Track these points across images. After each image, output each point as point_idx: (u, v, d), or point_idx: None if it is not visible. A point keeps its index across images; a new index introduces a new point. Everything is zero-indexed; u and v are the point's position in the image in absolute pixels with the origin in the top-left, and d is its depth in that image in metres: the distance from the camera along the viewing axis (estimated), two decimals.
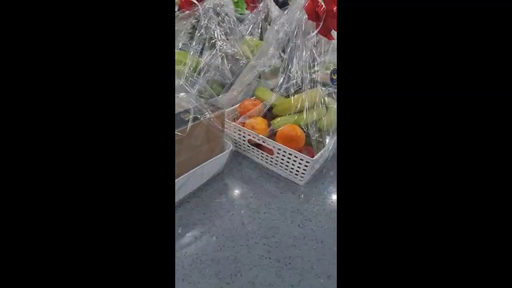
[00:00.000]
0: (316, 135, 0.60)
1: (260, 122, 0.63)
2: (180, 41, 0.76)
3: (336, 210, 0.55)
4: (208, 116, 0.53)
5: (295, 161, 0.58)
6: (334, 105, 0.64)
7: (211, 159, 0.55)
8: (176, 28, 0.75)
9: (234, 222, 0.51)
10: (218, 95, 0.73)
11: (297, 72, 0.60)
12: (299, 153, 0.57)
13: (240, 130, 0.64)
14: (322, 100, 0.62)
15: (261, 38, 0.91)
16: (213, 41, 0.73)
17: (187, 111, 0.52)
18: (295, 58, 0.60)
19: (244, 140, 0.65)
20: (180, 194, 0.53)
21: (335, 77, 0.65)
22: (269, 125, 0.63)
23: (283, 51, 0.64)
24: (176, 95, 0.57)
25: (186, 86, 0.59)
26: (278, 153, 0.60)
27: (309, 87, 0.61)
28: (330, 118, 0.63)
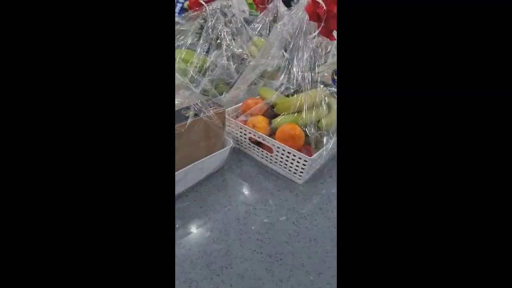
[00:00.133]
0: (316, 135, 0.60)
1: (261, 121, 0.64)
2: (188, 41, 0.78)
3: (332, 209, 0.55)
4: (208, 113, 0.54)
5: (293, 159, 0.58)
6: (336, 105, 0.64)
7: (211, 155, 0.57)
8: (184, 28, 0.78)
9: (230, 217, 0.52)
10: (224, 93, 0.75)
11: (297, 72, 0.61)
12: (298, 151, 0.57)
13: (241, 128, 0.65)
14: (323, 100, 0.62)
15: None
16: (219, 41, 0.75)
17: (188, 107, 0.53)
18: (295, 58, 0.60)
19: (245, 138, 0.66)
20: (179, 187, 0.55)
21: (336, 77, 0.65)
22: (270, 123, 0.64)
23: (286, 50, 0.65)
24: (180, 92, 0.59)
25: (190, 85, 0.61)
26: (277, 151, 0.60)
27: (309, 87, 0.61)
28: (331, 118, 0.63)
